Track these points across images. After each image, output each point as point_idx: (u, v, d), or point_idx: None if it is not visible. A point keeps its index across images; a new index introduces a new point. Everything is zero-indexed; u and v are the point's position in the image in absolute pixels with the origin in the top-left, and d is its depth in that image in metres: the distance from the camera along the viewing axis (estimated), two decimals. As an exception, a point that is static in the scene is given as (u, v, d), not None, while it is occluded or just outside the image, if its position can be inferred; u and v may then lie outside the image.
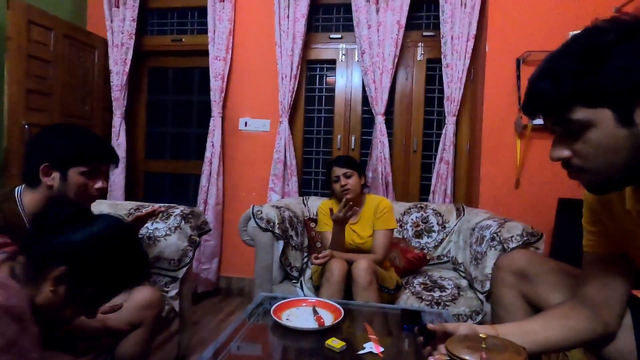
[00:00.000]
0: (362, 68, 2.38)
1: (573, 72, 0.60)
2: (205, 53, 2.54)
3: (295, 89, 2.44)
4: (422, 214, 2.15)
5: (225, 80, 2.54)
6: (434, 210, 2.16)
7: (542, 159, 2.12)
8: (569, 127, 0.63)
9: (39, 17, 2.21)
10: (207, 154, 2.53)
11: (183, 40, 2.74)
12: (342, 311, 1.14)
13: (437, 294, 1.66)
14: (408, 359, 1.05)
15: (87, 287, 0.72)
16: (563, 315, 0.80)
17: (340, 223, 1.61)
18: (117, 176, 2.60)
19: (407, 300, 1.64)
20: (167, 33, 2.80)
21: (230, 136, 2.60)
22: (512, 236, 1.55)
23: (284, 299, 1.23)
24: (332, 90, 2.61)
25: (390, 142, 2.39)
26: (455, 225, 2.09)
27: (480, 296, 1.60)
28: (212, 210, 2.52)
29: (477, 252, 1.71)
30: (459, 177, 2.42)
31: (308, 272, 1.85)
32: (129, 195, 2.70)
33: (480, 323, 1.54)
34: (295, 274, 1.84)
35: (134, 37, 2.59)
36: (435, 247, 2.10)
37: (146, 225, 1.59)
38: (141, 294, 1.14)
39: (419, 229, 2.13)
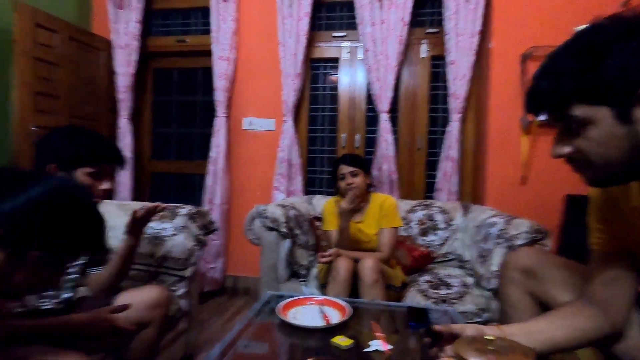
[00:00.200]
0: (366, 66, 2.37)
1: (572, 70, 0.61)
2: (209, 53, 2.55)
3: (299, 88, 2.45)
4: (428, 212, 2.14)
5: (230, 80, 2.55)
6: (439, 207, 2.15)
7: (548, 155, 2.09)
8: (570, 123, 0.64)
9: (45, 20, 2.23)
10: (212, 154, 2.54)
11: (187, 40, 2.76)
12: (350, 309, 1.14)
13: (443, 291, 1.66)
14: (415, 356, 1.05)
15: (31, 251, 0.68)
16: (569, 314, 0.80)
17: (346, 216, 1.61)
18: (124, 177, 2.62)
19: (413, 298, 1.64)
20: (171, 34, 2.82)
21: (235, 136, 2.61)
22: (519, 233, 1.54)
23: (291, 297, 1.24)
24: (336, 88, 2.61)
25: (395, 140, 2.38)
26: (461, 222, 2.08)
27: (487, 294, 1.59)
28: (218, 209, 2.53)
29: (484, 249, 1.70)
30: (465, 174, 2.40)
31: (314, 271, 1.86)
32: (136, 196, 2.72)
33: (488, 321, 1.54)
34: (302, 272, 1.84)
35: (138, 38, 2.61)
36: (441, 244, 2.09)
37: (151, 225, 1.60)
38: (150, 293, 1.15)
39: (424, 226, 2.12)
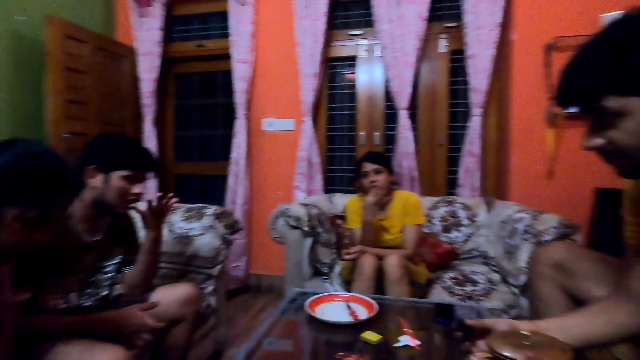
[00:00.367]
0: (383, 63, 2.37)
1: (605, 61, 0.60)
2: (228, 56, 2.60)
3: (317, 87, 2.46)
4: (450, 208, 2.12)
5: (249, 82, 2.59)
6: (462, 204, 2.12)
7: (576, 148, 2.04)
8: (602, 115, 0.63)
9: (75, 31, 2.33)
10: (234, 155, 2.59)
11: (207, 45, 2.82)
12: (376, 306, 1.15)
13: (469, 288, 1.64)
14: (442, 352, 1.05)
15: (5, 209, 0.71)
16: (606, 309, 0.78)
17: (371, 209, 1.61)
18: (150, 179, 2.70)
19: (438, 295, 1.63)
20: (191, 39, 2.89)
21: (255, 137, 2.65)
22: (547, 228, 1.50)
23: (316, 294, 1.25)
24: (354, 87, 2.61)
25: (414, 136, 2.37)
26: (485, 218, 2.05)
27: (515, 290, 1.57)
28: (240, 209, 2.58)
29: (510, 245, 1.68)
30: (487, 169, 2.36)
31: (337, 268, 1.87)
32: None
33: (516, 317, 1.51)
34: (325, 269, 1.86)
35: (160, 45, 2.69)
36: (465, 241, 2.06)
37: (180, 225, 1.66)
38: (182, 291, 1.20)
39: (447, 223, 2.10)
